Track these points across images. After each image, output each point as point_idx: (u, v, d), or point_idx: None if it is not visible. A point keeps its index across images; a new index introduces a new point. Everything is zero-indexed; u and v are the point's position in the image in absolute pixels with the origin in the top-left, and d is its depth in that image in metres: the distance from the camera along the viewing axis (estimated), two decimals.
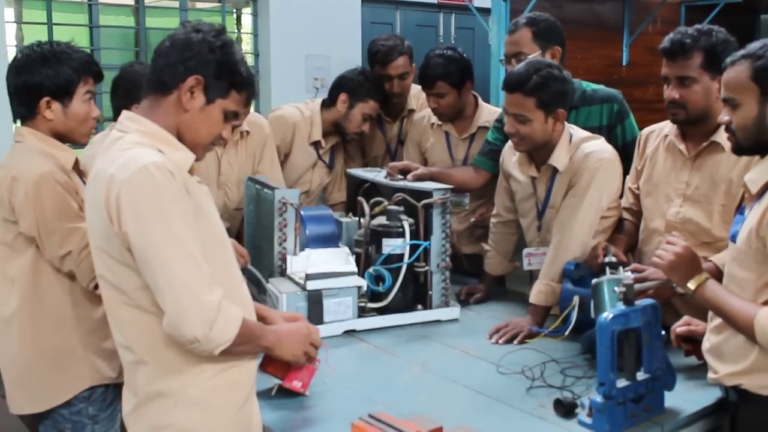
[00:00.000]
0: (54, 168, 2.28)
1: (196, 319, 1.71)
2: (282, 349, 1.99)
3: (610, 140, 3.02)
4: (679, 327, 2.21)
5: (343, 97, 3.63)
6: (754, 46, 1.99)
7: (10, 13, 5.65)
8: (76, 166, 2.43)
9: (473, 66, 3.59)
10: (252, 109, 3.60)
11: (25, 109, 2.36)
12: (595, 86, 3.18)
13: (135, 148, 1.78)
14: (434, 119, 3.59)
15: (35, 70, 2.32)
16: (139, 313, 1.79)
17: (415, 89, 3.91)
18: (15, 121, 2.45)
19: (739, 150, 2.07)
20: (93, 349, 2.38)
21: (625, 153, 2.88)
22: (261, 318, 2.06)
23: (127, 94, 2.90)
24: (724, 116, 2.04)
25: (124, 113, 1.89)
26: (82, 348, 2.36)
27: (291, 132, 3.67)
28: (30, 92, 2.33)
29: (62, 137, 2.39)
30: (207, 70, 1.84)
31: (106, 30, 6.03)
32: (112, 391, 2.41)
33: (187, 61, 1.84)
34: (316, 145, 3.73)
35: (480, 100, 3.57)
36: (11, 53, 5.54)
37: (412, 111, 3.91)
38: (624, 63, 7.36)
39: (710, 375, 2.11)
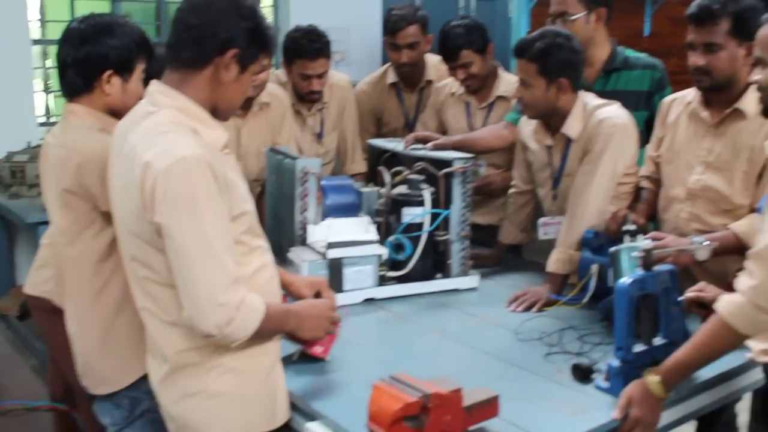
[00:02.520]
0: (100, 152, 2.15)
1: (212, 319, 1.72)
2: (303, 331, 2.01)
3: (647, 107, 3.04)
4: (691, 292, 2.20)
5: (283, 64, 3.69)
6: None
7: None
8: None
9: (494, 38, 3.59)
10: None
11: (83, 82, 2.23)
12: (639, 54, 3.20)
13: (172, 132, 1.75)
14: (455, 88, 3.60)
15: (100, 41, 2.20)
16: (170, 290, 1.80)
17: (434, 60, 3.91)
18: (67, 97, 2.29)
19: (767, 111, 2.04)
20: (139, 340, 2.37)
21: None
22: (285, 284, 2.08)
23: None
24: (755, 75, 1.99)
25: (154, 84, 1.85)
26: (143, 331, 2.33)
27: None
28: (94, 63, 2.21)
29: (115, 116, 2.24)
30: (242, 41, 1.81)
31: (127, 4, 6.05)
32: None
33: (222, 33, 1.79)
34: (297, 111, 3.75)
35: (500, 70, 3.57)
36: (34, 28, 5.60)
37: (430, 82, 3.91)
38: (646, 33, 7.29)
39: (746, 354, 2.10)
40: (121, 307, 2.20)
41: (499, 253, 3.23)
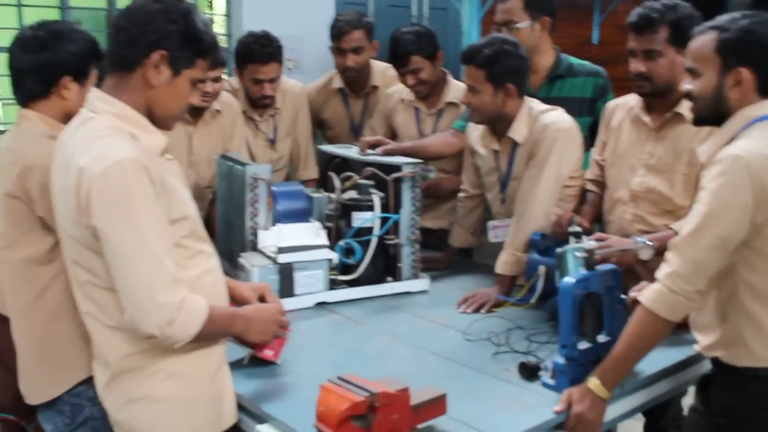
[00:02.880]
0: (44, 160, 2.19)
1: (153, 319, 1.72)
2: (250, 335, 2.02)
3: (591, 113, 3.12)
4: (633, 291, 2.27)
5: (235, 70, 3.71)
6: (722, 18, 2.04)
7: None
8: None
9: (446, 46, 3.64)
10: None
11: (41, 88, 2.23)
12: (583, 62, 3.28)
13: (109, 137, 1.76)
14: (404, 95, 3.63)
15: (59, 48, 2.22)
16: (112, 294, 1.80)
17: (381, 67, 3.96)
18: (22, 103, 2.29)
19: (698, 119, 2.13)
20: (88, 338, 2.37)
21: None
22: (228, 290, 2.08)
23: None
24: (685, 84, 2.10)
25: (94, 92, 1.86)
26: (80, 338, 2.35)
27: None
28: (53, 70, 2.22)
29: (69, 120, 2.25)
30: (171, 43, 1.81)
31: (77, 11, 5.99)
32: None
33: (149, 35, 1.79)
34: (249, 118, 3.76)
35: (449, 77, 3.61)
36: None
37: (375, 88, 3.95)
38: (595, 41, 7.44)
39: (695, 346, 2.17)
40: (59, 314, 2.19)
41: (450, 257, 3.27)
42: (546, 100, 2.95)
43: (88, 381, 2.28)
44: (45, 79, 2.23)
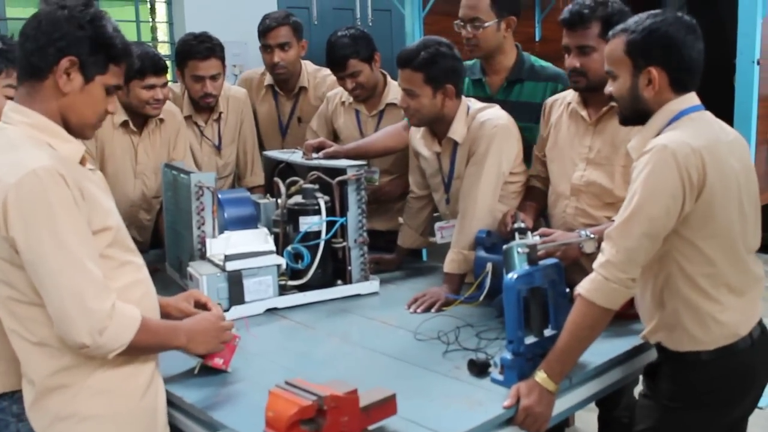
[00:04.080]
0: None
1: (83, 327, 1.70)
2: (196, 346, 2.02)
3: None
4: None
5: (177, 72, 3.69)
6: (631, 20, 2.11)
7: None
8: None
9: (391, 48, 3.66)
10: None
11: None
12: (544, 63, 3.24)
13: (23, 147, 1.73)
14: (345, 97, 3.64)
15: None
16: (35, 309, 1.77)
17: (311, 68, 3.99)
18: None
19: (622, 120, 2.20)
20: (6, 354, 2.34)
21: None
22: (161, 307, 2.06)
23: None
24: (608, 87, 2.17)
25: (9, 104, 1.83)
26: None
27: None
28: None
29: None
30: (80, 49, 1.78)
31: (12, 23, 5.89)
32: None
33: (57, 41, 1.76)
34: (194, 123, 3.75)
35: (389, 78, 3.63)
36: None
37: (304, 89, 3.97)
38: (537, 39, 7.53)
39: (639, 336, 2.24)
40: None
41: (400, 257, 3.29)
42: (504, 103, 2.97)
43: (12, 396, 2.28)
44: None
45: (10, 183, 1.68)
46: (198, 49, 3.52)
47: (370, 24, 7.35)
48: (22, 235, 1.69)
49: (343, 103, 3.67)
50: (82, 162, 1.86)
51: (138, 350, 1.81)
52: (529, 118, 2.95)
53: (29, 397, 1.88)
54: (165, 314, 2.04)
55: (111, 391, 1.84)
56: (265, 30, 3.82)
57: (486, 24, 3.10)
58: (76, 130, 1.86)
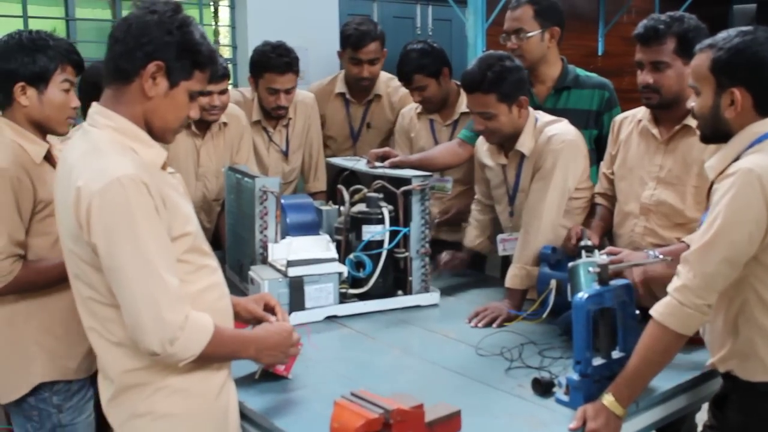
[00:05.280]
0: (7, 164, 2.28)
1: (155, 337, 1.71)
2: (264, 359, 2.01)
3: (596, 126, 3.12)
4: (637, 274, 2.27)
5: (250, 79, 3.71)
6: (719, 36, 2.03)
7: None
8: (50, 158, 2.43)
9: (451, 57, 3.65)
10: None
11: (2, 96, 2.36)
12: (589, 73, 3.28)
13: (108, 153, 1.74)
14: (420, 108, 3.66)
15: (11, 57, 2.32)
16: (114, 310, 1.78)
17: (385, 77, 3.99)
18: None
19: (703, 137, 2.13)
20: (49, 345, 2.41)
21: (607, 140, 2.94)
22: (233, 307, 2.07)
23: (88, 93, 2.93)
24: (690, 102, 2.10)
25: (94, 106, 1.85)
26: (36, 345, 2.39)
27: None
28: (6, 78, 2.33)
29: (40, 126, 2.39)
30: (167, 54, 1.79)
31: (82, 23, 6.00)
32: (77, 383, 2.45)
33: (145, 46, 1.77)
34: (263, 129, 3.76)
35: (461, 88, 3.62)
36: None
37: (379, 96, 3.97)
38: (599, 53, 7.44)
39: (708, 361, 2.17)
40: (13, 319, 2.34)
41: (468, 256, 3.25)
42: (552, 111, 2.96)
43: (52, 387, 2.39)
44: (2, 88, 2.35)
45: (94, 190, 1.69)
46: (276, 63, 3.54)
47: (430, 33, 7.36)
48: (103, 242, 1.70)
49: (418, 114, 3.69)
50: (163, 167, 1.87)
51: (207, 360, 1.82)
52: (577, 124, 2.91)
53: (107, 393, 1.90)
54: (234, 314, 2.04)
55: (187, 391, 1.85)
56: (357, 44, 3.79)
57: (530, 34, 3.12)
58: (158, 134, 1.87)
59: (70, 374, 2.42)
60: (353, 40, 3.79)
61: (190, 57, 1.82)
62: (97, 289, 1.79)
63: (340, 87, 4.00)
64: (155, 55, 1.78)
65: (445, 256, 3.20)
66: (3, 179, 2.26)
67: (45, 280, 2.35)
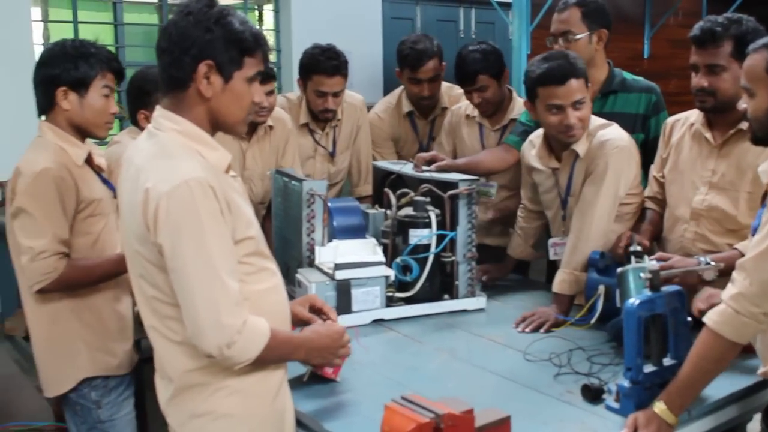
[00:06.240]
0: (53, 164, 2.35)
1: (213, 340, 1.73)
2: (313, 360, 2.04)
3: (643, 130, 3.09)
4: (698, 301, 2.21)
5: (299, 81, 3.72)
6: None
7: (36, 12, 5.74)
8: (90, 161, 2.51)
9: None
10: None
11: (45, 100, 2.46)
12: (636, 77, 3.24)
13: (175, 155, 1.77)
14: (469, 110, 3.63)
15: (56, 63, 2.43)
16: (177, 309, 1.80)
17: (444, 87, 3.92)
18: (40, 116, 2.54)
19: (755, 140, 2.09)
20: (92, 342, 2.48)
21: (655, 144, 2.92)
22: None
23: (135, 98, 3.01)
24: (742, 103, 2.06)
25: (158, 110, 1.87)
26: (80, 341, 2.46)
27: None
28: (48, 83, 2.43)
29: (80, 130, 2.48)
30: (213, 51, 1.78)
31: (130, 28, 6.10)
32: (114, 379, 2.52)
33: (190, 50, 1.78)
34: (310, 131, 3.77)
35: (515, 94, 3.60)
36: (38, 51, 5.64)
37: (445, 109, 3.91)
38: (645, 56, 7.36)
39: (759, 370, 2.14)
40: (57, 317, 2.43)
41: (509, 267, 3.25)
42: (599, 115, 2.93)
43: (90, 383, 2.47)
44: (44, 91, 2.46)
45: (162, 191, 1.71)
46: (326, 65, 3.55)
47: (473, 36, 7.35)
48: (168, 243, 1.72)
49: (467, 116, 3.65)
50: (227, 170, 1.89)
51: (262, 363, 1.84)
52: (623, 128, 2.87)
53: (166, 393, 1.92)
54: None
55: (246, 392, 1.87)
56: (415, 64, 3.69)
57: (578, 36, 3.09)
58: (228, 128, 1.89)
59: (111, 370, 2.50)
60: (410, 60, 3.70)
61: (236, 47, 1.82)
62: (161, 289, 1.81)
63: (406, 106, 3.91)
64: (202, 56, 1.79)
65: (485, 275, 3.17)
66: (47, 179, 2.34)
67: (89, 279, 2.43)
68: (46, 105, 2.47)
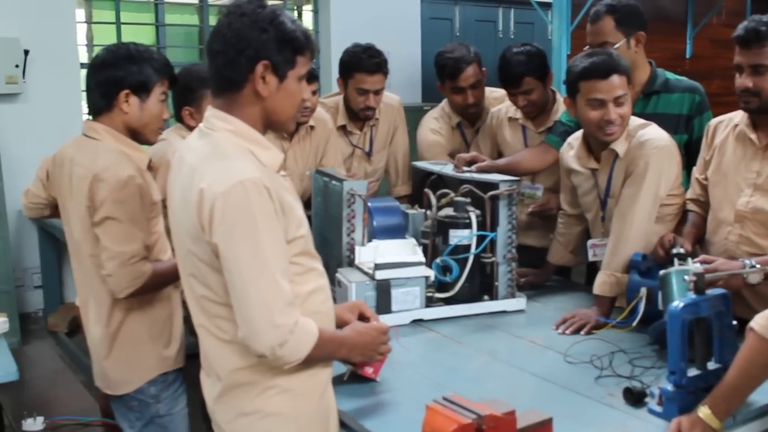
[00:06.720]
0: (134, 171, 2.38)
1: (266, 340, 1.74)
2: (354, 357, 2.05)
3: (687, 130, 3.06)
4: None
5: (339, 81, 3.73)
6: None
7: (80, 14, 5.84)
8: (149, 165, 2.53)
9: None
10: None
11: (104, 101, 2.44)
12: (679, 77, 3.20)
13: (230, 156, 1.78)
14: (511, 112, 3.60)
15: (120, 65, 2.42)
16: (228, 309, 1.82)
17: (486, 92, 3.85)
18: (90, 115, 2.53)
19: None
20: (157, 340, 2.51)
21: (698, 145, 2.88)
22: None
23: (180, 95, 3.05)
24: None
25: (209, 110, 1.89)
26: (149, 340, 2.49)
27: None
28: (112, 84, 2.42)
29: (134, 133, 2.48)
30: (269, 52, 1.81)
31: (171, 28, 6.17)
32: (172, 374, 2.55)
33: (246, 50, 1.80)
34: (346, 133, 3.79)
35: (558, 95, 3.56)
36: (82, 52, 5.74)
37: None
38: (688, 56, 7.26)
39: None
40: (127, 317, 2.45)
41: (548, 273, 3.24)
42: (641, 116, 2.90)
43: (152, 380, 2.50)
44: (106, 92, 2.44)
45: (218, 191, 1.73)
46: (367, 63, 3.57)
47: (512, 36, 7.32)
48: (223, 243, 1.74)
49: (510, 118, 3.62)
50: (278, 169, 1.90)
51: (309, 362, 1.85)
52: (666, 129, 2.84)
53: (214, 391, 1.94)
54: None
55: (294, 391, 1.88)
56: (454, 73, 3.61)
57: (616, 45, 3.04)
58: (280, 126, 1.93)
59: (169, 364, 2.53)
60: (449, 70, 3.63)
61: (289, 46, 1.84)
62: (213, 288, 1.83)
63: (455, 118, 3.84)
64: (259, 56, 1.81)
65: (523, 279, 3.14)
66: (132, 187, 2.35)
67: (163, 281, 2.45)
68: (102, 106, 2.45)
